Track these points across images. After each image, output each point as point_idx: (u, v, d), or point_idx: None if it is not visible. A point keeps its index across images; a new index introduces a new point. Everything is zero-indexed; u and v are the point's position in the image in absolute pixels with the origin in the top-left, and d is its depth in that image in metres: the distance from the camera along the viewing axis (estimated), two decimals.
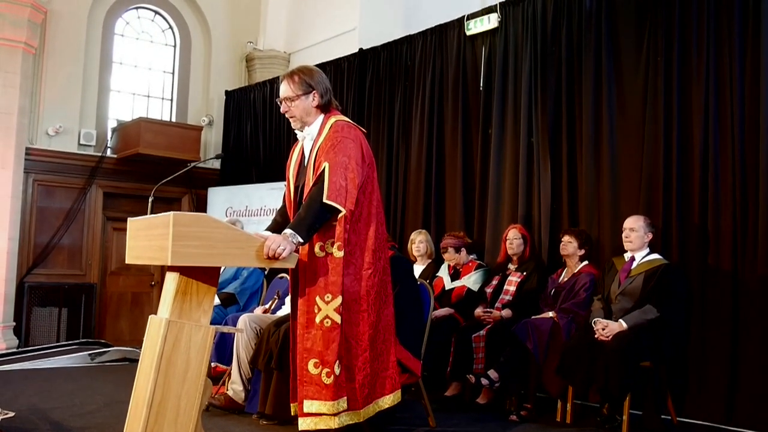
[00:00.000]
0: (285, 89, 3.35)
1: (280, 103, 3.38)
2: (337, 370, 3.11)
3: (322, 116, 3.38)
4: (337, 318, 3.12)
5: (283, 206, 3.58)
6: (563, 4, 5.69)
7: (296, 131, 3.45)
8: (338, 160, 3.16)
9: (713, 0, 4.77)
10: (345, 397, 3.16)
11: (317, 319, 3.12)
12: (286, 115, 3.39)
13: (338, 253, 3.14)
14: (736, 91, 4.61)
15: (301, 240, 3.03)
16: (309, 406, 3.12)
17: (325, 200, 3.08)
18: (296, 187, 3.39)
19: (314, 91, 3.33)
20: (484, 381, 4.68)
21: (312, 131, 3.37)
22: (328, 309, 3.12)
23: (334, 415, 3.12)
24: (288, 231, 3.03)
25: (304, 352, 3.14)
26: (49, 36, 8.47)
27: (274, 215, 3.71)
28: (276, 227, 3.46)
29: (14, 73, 7.84)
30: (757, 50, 4.54)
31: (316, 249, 3.15)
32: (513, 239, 5.41)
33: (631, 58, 5.23)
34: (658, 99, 5.00)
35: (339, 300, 3.13)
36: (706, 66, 4.77)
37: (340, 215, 3.13)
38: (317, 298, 3.13)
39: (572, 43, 5.62)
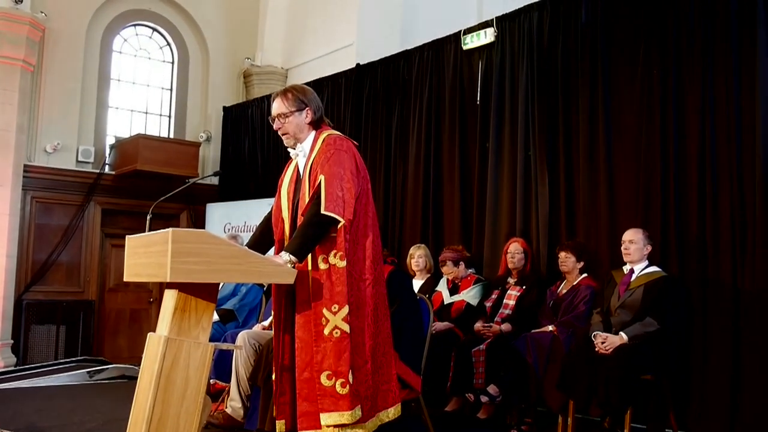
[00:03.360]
0: (279, 106, 3.39)
1: (273, 121, 3.43)
2: (351, 379, 3.10)
3: (314, 132, 3.42)
4: (346, 327, 3.10)
5: (264, 223, 3.58)
6: (559, 18, 5.72)
7: (289, 149, 3.48)
8: (334, 172, 3.18)
9: (708, 12, 4.79)
10: (360, 406, 3.15)
11: (326, 331, 3.10)
12: (279, 132, 3.43)
13: (341, 264, 3.14)
14: (732, 102, 4.62)
15: (295, 259, 3.04)
16: (326, 418, 3.08)
17: (323, 211, 3.09)
18: (293, 204, 3.40)
19: (307, 108, 3.38)
20: (483, 398, 4.66)
21: (305, 147, 3.41)
22: (336, 319, 3.10)
23: (355, 424, 3.10)
24: (284, 252, 3.06)
25: (315, 365, 3.12)
26: (47, 53, 8.50)
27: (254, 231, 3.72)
28: (254, 243, 3.50)
29: (12, 91, 7.87)
30: (752, 60, 4.54)
31: (319, 261, 3.15)
32: (515, 253, 5.41)
33: (627, 71, 5.25)
34: (654, 111, 5.01)
35: (346, 309, 3.11)
36: (701, 77, 4.78)
37: (339, 225, 3.14)
38: (324, 310, 3.11)
39: (568, 57, 5.64)
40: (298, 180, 3.43)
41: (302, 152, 3.42)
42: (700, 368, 4.60)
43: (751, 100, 4.54)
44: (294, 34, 9.79)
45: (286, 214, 3.41)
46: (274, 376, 3.37)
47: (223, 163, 9.62)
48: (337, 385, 3.08)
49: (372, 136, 7.43)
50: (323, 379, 3.09)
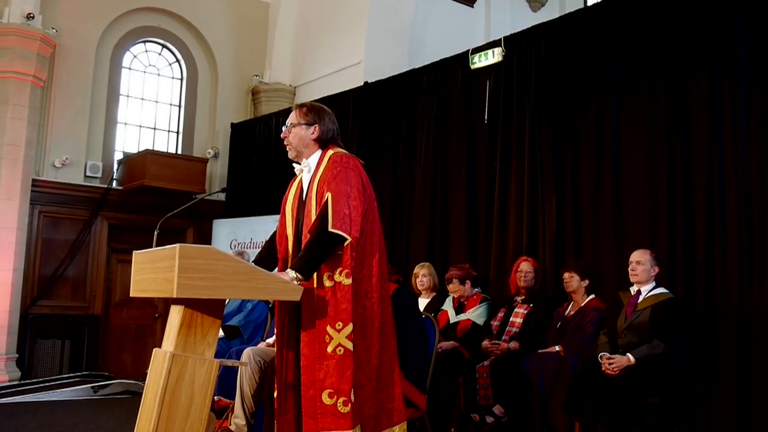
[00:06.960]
0: (292, 116, 3.47)
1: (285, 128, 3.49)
2: (352, 398, 3.09)
3: (320, 151, 3.44)
4: (350, 345, 3.10)
5: (271, 240, 3.59)
6: (567, 39, 5.74)
7: (294, 164, 3.50)
8: (341, 190, 3.19)
9: (717, 31, 4.78)
10: (359, 426, 3.14)
11: (329, 349, 3.10)
12: (284, 141, 3.48)
13: (347, 281, 3.15)
14: (740, 121, 4.60)
15: (301, 276, 3.04)
16: None
17: (330, 229, 3.10)
18: (296, 221, 3.40)
19: (316, 125, 3.42)
20: (489, 419, 4.63)
21: (310, 164, 3.43)
22: (340, 337, 3.09)
23: None
24: (290, 270, 3.07)
25: (317, 383, 3.11)
26: (57, 69, 8.56)
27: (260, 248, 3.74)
28: (261, 259, 3.53)
29: (22, 106, 7.92)
30: (761, 82, 4.52)
31: (324, 279, 3.16)
32: (527, 272, 5.39)
33: (635, 90, 5.24)
34: (661, 130, 5.00)
35: (350, 327, 3.11)
36: (709, 95, 4.76)
37: (346, 243, 3.14)
38: (328, 327, 3.11)
39: (576, 77, 5.64)
40: (301, 197, 3.44)
41: (307, 168, 3.44)
42: (706, 391, 4.55)
43: (759, 121, 4.52)
44: (302, 52, 9.85)
45: (290, 231, 3.42)
46: (276, 394, 3.36)
47: (230, 179, 9.64)
48: (339, 404, 3.07)
49: (379, 154, 7.43)
50: (325, 397, 3.08)
